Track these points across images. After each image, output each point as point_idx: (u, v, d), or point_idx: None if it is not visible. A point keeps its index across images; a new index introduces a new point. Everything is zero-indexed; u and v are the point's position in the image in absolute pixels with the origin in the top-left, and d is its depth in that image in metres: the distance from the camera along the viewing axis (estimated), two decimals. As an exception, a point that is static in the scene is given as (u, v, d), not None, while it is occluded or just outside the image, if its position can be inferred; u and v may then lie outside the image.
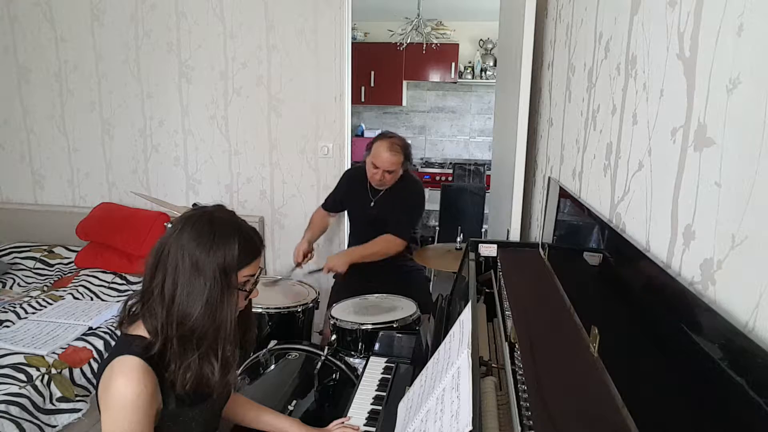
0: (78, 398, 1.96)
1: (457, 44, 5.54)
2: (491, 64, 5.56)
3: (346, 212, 2.82)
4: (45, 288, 2.69)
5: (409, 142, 2.50)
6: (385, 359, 1.68)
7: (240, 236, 1.11)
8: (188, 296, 1.06)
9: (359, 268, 2.49)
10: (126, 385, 1.02)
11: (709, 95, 0.72)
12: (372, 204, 2.44)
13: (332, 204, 2.65)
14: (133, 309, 1.14)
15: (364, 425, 1.37)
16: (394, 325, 1.88)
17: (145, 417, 1.04)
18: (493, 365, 1.11)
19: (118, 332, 1.17)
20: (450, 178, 5.40)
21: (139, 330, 1.10)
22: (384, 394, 1.48)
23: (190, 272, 1.06)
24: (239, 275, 1.12)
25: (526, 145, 1.98)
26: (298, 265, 2.48)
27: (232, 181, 3.15)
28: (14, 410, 1.75)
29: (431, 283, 2.76)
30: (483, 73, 5.64)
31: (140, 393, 1.02)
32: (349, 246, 2.69)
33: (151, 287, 1.09)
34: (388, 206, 2.44)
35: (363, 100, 5.66)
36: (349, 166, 3.10)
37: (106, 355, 1.44)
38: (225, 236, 1.09)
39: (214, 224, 1.10)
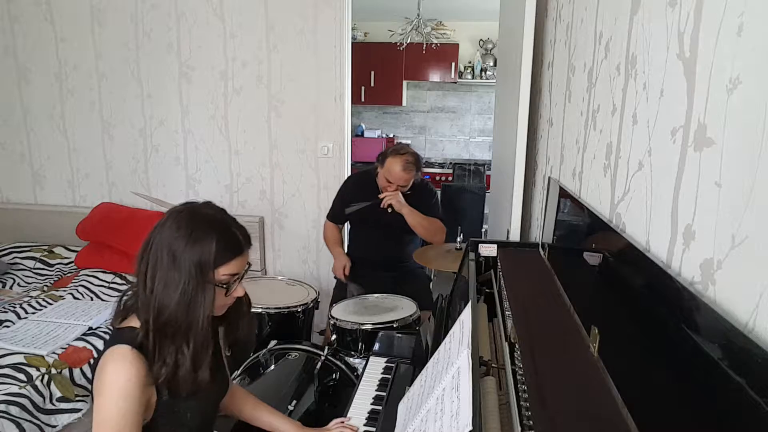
0: (78, 398, 1.96)
1: (457, 44, 5.54)
2: (491, 64, 5.56)
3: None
4: (45, 288, 2.69)
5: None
6: (385, 359, 1.68)
7: (220, 234, 1.10)
8: (164, 288, 1.07)
9: (360, 269, 2.50)
10: (116, 371, 1.03)
11: (709, 95, 0.72)
12: (390, 210, 2.42)
13: (341, 216, 2.61)
14: (128, 303, 1.15)
15: (364, 425, 1.37)
16: (394, 325, 1.88)
17: (136, 403, 1.04)
18: (493, 365, 1.11)
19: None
20: (450, 178, 5.40)
21: (131, 323, 1.12)
22: (384, 394, 1.48)
23: (167, 265, 1.07)
24: (217, 273, 1.10)
25: (526, 145, 1.98)
26: (347, 278, 2.48)
27: (232, 181, 3.15)
28: (14, 410, 1.75)
29: (431, 282, 2.76)
30: (483, 73, 5.64)
31: (130, 378, 1.03)
32: (349, 250, 2.66)
33: (138, 279, 1.11)
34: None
35: (363, 100, 5.66)
36: (349, 166, 3.10)
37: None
38: (203, 232, 1.08)
39: (194, 219, 1.10)
